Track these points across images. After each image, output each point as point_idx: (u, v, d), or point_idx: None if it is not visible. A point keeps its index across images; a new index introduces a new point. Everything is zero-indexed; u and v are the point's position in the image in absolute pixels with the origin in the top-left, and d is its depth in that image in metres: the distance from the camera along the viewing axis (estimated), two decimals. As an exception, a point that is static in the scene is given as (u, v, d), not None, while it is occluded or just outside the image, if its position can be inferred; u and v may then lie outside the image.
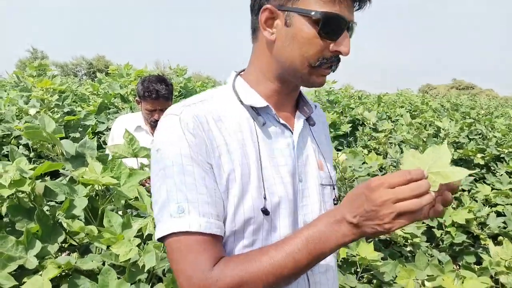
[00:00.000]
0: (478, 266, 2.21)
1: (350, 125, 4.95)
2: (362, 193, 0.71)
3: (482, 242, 3.11)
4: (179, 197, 0.79)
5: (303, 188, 0.93)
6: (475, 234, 3.14)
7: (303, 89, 1.03)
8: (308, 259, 0.74)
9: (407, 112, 6.25)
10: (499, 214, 3.37)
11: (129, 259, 1.42)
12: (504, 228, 3.20)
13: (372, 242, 2.12)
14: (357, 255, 2.07)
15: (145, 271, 1.50)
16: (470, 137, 4.95)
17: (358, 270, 2.12)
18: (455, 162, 4.34)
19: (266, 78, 0.93)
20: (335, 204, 1.00)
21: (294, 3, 0.85)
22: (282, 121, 0.94)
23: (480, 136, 5.18)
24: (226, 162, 0.84)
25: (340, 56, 0.88)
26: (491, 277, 1.95)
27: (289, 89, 0.95)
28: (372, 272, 2.13)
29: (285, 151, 0.92)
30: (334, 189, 1.01)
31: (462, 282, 1.78)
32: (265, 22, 0.88)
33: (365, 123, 4.85)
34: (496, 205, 3.51)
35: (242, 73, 0.99)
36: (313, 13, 0.82)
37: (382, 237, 2.38)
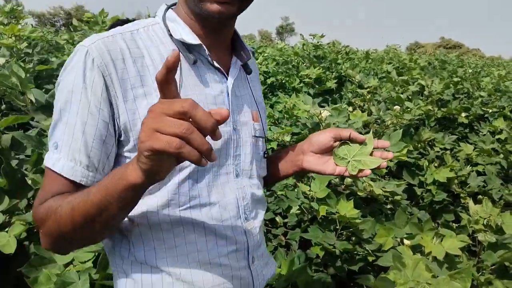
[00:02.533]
0: (457, 225, 2.23)
1: (335, 81, 4.85)
2: None
3: (462, 201, 3.14)
4: (58, 134, 0.76)
5: (237, 138, 0.89)
6: (455, 193, 3.17)
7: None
8: (102, 196, 0.66)
9: (393, 69, 6.15)
10: (479, 173, 3.39)
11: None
12: (484, 187, 3.23)
13: (352, 199, 2.10)
14: (336, 212, 2.05)
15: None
16: (456, 95, 4.91)
17: (337, 227, 2.11)
18: (439, 121, 4.32)
19: (188, 13, 0.85)
20: (264, 157, 0.99)
21: None
22: (216, 65, 0.86)
23: (466, 95, 5.15)
24: (142, 106, 0.76)
25: None
26: (469, 235, 1.96)
27: (209, 26, 0.85)
28: (351, 230, 2.12)
29: (218, 98, 0.85)
30: (266, 141, 1.00)
31: (441, 240, 1.77)
32: None
33: (350, 80, 4.76)
34: (477, 164, 3.52)
35: (173, 7, 0.90)
36: None
37: (363, 195, 2.36)
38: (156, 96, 0.76)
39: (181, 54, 0.81)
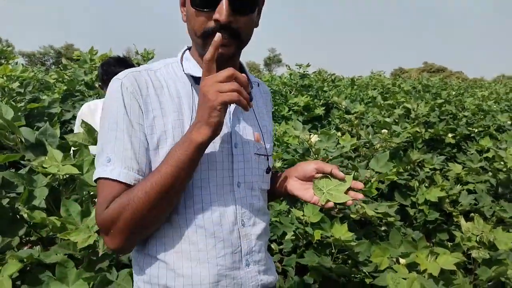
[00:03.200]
0: (451, 243, 2.24)
1: (323, 108, 4.93)
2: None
3: (455, 219, 3.16)
4: (109, 149, 0.92)
5: (238, 154, 1.04)
6: (447, 212, 3.19)
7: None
8: (173, 167, 0.86)
9: (379, 94, 6.28)
10: (470, 191, 3.43)
11: (88, 248, 1.34)
12: (475, 205, 3.26)
13: (346, 223, 2.11)
14: (331, 236, 2.05)
15: (104, 258, 1.43)
16: (441, 117, 5.01)
17: (333, 251, 2.11)
18: (427, 143, 4.39)
19: (197, 53, 1.05)
20: (267, 173, 1.12)
21: None
22: None
23: (451, 116, 5.26)
24: (159, 124, 0.95)
25: (236, 27, 0.94)
26: (464, 252, 1.97)
27: (216, 63, 1.02)
28: (347, 253, 2.12)
29: None
30: (268, 159, 1.12)
31: (436, 258, 1.78)
32: (181, 4, 1.03)
33: (337, 106, 4.85)
34: (467, 183, 3.57)
35: (192, 47, 1.10)
36: None
37: (356, 217, 2.38)
38: (171, 117, 0.96)
39: (192, 87, 1.02)
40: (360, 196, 1.02)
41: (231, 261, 1.00)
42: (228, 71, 0.83)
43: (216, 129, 0.85)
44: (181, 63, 1.05)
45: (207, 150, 0.94)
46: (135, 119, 0.93)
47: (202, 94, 0.84)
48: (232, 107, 1.05)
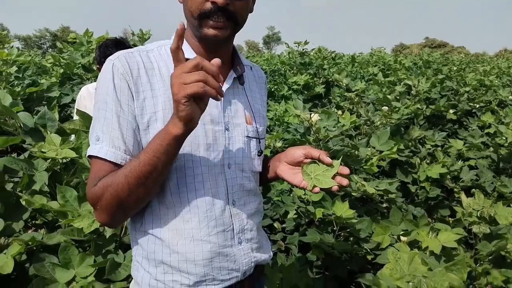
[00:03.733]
0: (453, 219, 2.25)
1: (323, 86, 4.90)
2: None
3: (456, 195, 3.17)
4: (98, 128, 0.94)
5: (230, 137, 1.06)
6: (449, 188, 3.20)
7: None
8: (150, 155, 0.86)
9: (380, 71, 6.23)
10: (471, 167, 3.43)
11: (93, 232, 1.35)
12: (477, 180, 3.26)
13: (348, 200, 2.12)
14: (333, 214, 2.06)
15: (110, 241, 1.44)
16: (442, 93, 4.98)
17: (335, 228, 2.12)
18: (428, 119, 4.37)
19: (192, 36, 1.04)
20: (258, 155, 1.14)
21: None
22: None
23: (452, 92, 5.22)
24: (149, 105, 0.97)
25: (233, 10, 0.95)
26: (465, 228, 1.98)
27: (208, 46, 1.03)
28: (348, 230, 2.14)
29: (212, 102, 1.00)
30: (259, 142, 1.14)
31: (437, 235, 1.80)
32: None
33: (338, 84, 4.81)
34: (468, 159, 3.57)
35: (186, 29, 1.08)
36: None
37: (357, 195, 2.39)
38: (162, 98, 0.97)
39: None
40: (346, 182, 1.04)
41: (223, 238, 1.03)
42: (194, 60, 0.79)
43: (188, 123, 0.82)
44: None
45: (198, 132, 0.97)
46: (124, 100, 0.95)
47: (170, 86, 0.82)
48: (224, 88, 1.05)
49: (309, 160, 1.09)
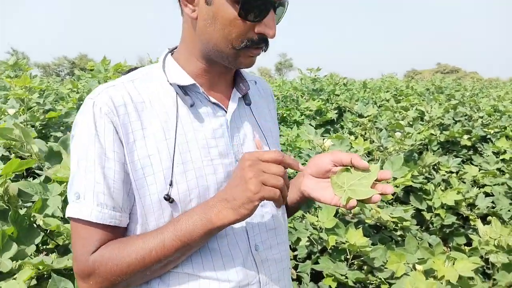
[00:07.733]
0: (469, 247, 2.20)
1: (336, 111, 4.91)
2: (235, 170, 0.78)
3: (472, 223, 3.10)
4: (78, 183, 0.79)
5: None
6: (464, 215, 3.13)
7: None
8: (180, 241, 0.76)
9: (392, 97, 6.23)
10: (487, 194, 3.37)
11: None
12: (493, 208, 3.20)
13: (361, 228, 2.08)
14: (346, 241, 2.03)
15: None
16: (456, 119, 4.95)
17: (348, 257, 2.08)
18: (442, 145, 4.33)
19: (194, 57, 0.88)
20: None
21: None
22: (213, 100, 0.89)
23: (466, 117, 5.18)
24: (140, 148, 0.80)
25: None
26: (482, 257, 1.93)
27: (219, 69, 0.90)
28: (362, 258, 2.09)
29: (217, 132, 0.87)
30: None
31: (453, 264, 1.75)
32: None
33: (350, 110, 4.82)
34: (484, 185, 3.51)
35: (174, 50, 0.94)
36: None
37: (371, 222, 2.35)
38: (154, 139, 0.81)
39: (178, 98, 0.85)
40: (390, 189, 0.82)
41: None
42: (276, 153, 0.74)
43: (242, 219, 0.74)
44: (164, 71, 0.88)
45: (206, 171, 0.83)
46: (109, 146, 0.78)
47: (240, 173, 0.73)
48: (229, 115, 0.90)
49: (339, 168, 0.86)
